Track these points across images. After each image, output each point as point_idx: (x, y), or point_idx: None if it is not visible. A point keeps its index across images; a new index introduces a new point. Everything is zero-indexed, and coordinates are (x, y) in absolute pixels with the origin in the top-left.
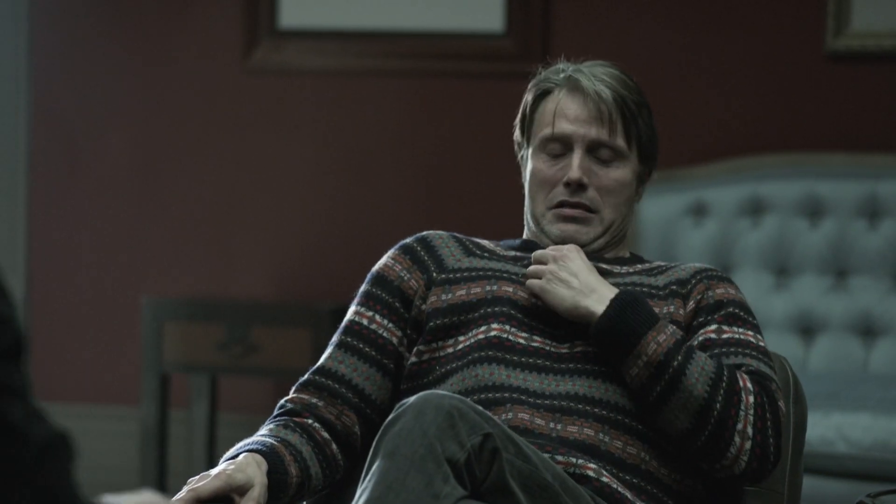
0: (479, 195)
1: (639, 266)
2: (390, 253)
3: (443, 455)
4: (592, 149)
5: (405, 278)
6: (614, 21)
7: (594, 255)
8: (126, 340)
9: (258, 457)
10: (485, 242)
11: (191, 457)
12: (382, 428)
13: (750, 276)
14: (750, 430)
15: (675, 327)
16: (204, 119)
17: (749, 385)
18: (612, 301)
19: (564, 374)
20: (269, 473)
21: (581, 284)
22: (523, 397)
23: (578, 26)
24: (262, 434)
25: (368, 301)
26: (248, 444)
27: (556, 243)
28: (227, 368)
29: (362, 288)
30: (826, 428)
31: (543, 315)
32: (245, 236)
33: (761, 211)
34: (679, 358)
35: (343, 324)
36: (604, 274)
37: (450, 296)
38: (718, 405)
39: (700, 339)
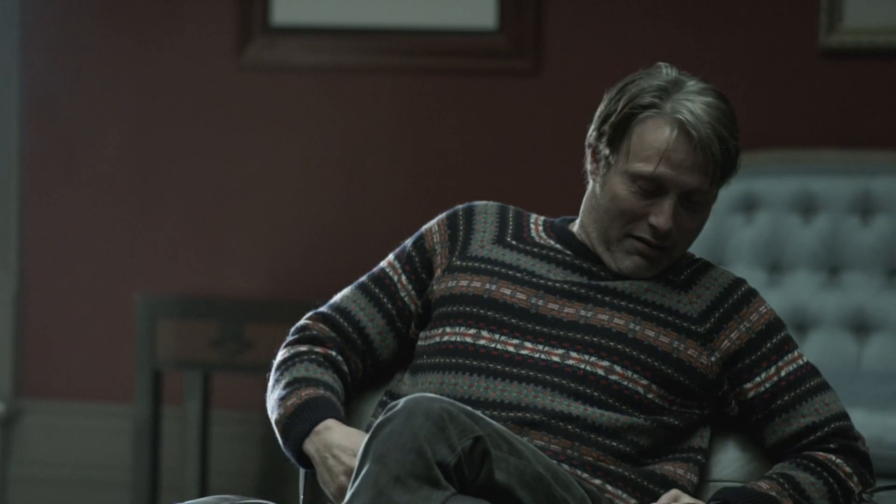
0: (474, 192)
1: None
2: (440, 217)
3: (433, 459)
4: (685, 194)
5: (437, 251)
6: (607, 18)
7: None
8: (120, 337)
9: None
10: (533, 222)
11: (184, 453)
12: (372, 429)
13: (743, 272)
14: (864, 496)
15: (776, 486)
16: (197, 116)
17: (847, 469)
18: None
19: (546, 385)
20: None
21: None
22: (496, 412)
23: (571, 23)
24: (309, 374)
25: (404, 260)
26: (323, 400)
27: (623, 274)
28: (220, 365)
29: (406, 242)
30: None
31: (541, 317)
32: (239, 233)
33: (754, 207)
34: None
35: (376, 270)
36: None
37: (453, 284)
38: None
39: (767, 385)
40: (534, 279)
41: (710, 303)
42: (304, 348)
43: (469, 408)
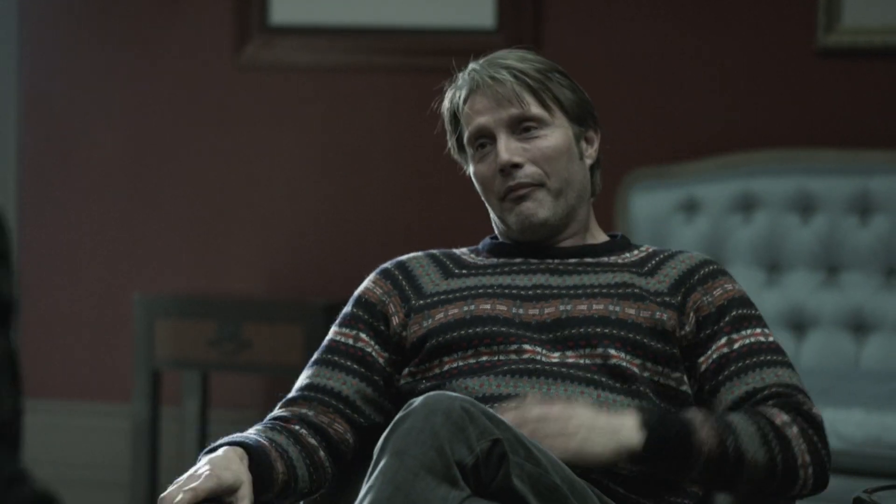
0: (469, 192)
1: (627, 256)
2: (371, 277)
3: (452, 458)
4: (514, 128)
5: (386, 301)
6: (605, 17)
7: (578, 250)
8: (118, 337)
9: (239, 450)
10: (463, 253)
11: (182, 453)
12: (391, 425)
13: (741, 271)
14: (808, 458)
15: (702, 414)
16: (195, 115)
17: (785, 417)
18: (644, 428)
19: (556, 377)
20: (253, 467)
21: (604, 426)
22: (513, 404)
23: (569, 22)
24: (248, 432)
25: (351, 321)
26: (230, 439)
27: (518, 229)
28: (218, 365)
29: (345, 310)
30: None
31: (526, 324)
32: (237, 232)
33: (753, 207)
34: (728, 441)
35: (325, 343)
36: (595, 266)
37: (430, 321)
38: (779, 458)
39: (714, 356)
40: (506, 290)
41: (677, 278)
42: (260, 426)
43: (490, 410)
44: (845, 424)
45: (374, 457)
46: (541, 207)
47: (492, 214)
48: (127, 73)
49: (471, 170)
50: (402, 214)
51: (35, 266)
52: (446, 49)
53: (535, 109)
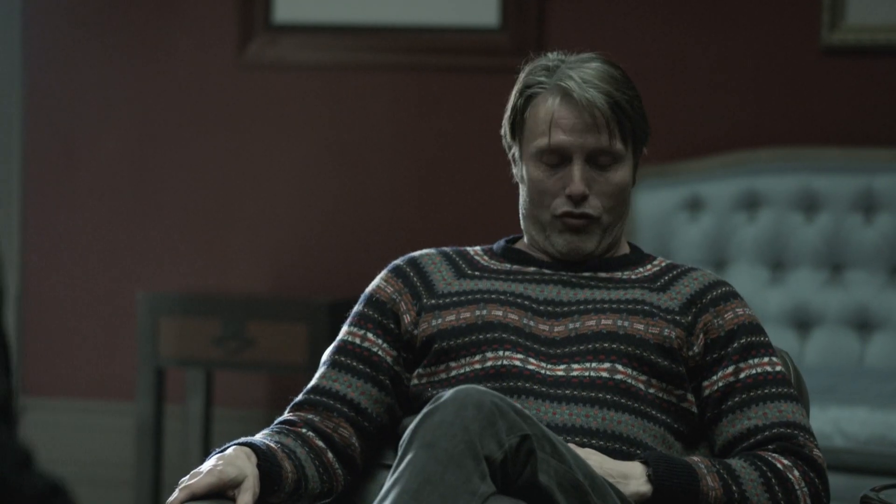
0: (474, 191)
1: (640, 271)
2: (382, 275)
3: (482, 452)
4: (591, 156)
5: (396, 300)
6: (609, 15)
7: (594, 262)
8: (121, 335)
9: (247, 449)
10: (476, 253)
11: (186, 451)
12: (419, 417)
13: (745, 270)
14: (809, 501)
15: (706, 461)
16: (198, 114)
17: (786, 462)
18: (652, 477)
19: (561, 401)
20: (260, 464)
21: (612, 474)
22: None
23: (573, 21)
24: (255, 436)
25: (361, 321)
26: (237, 441)
27: (562, 254)
28: (222, 363)
29: (355, 309)
30: (823, 422)
31: (534, 338)
32: (241, 231)
33: (757, 205)
34: (734, 487)
35: (335, 343)
36: (608, 281)
37: (440, 321)
38: (782, 502)
39: (720, 384)
40: (518, 300)
41: (688, 297)
42: (266, 430)
43: (517, 405)
44: (850, 423)
45: (401, 449)
46: (590, 241)
47: (529, 215)
48: (130, 72)
49: (525, 169)
50: (405, 212)
51: (39, 265)
52: (450, 48)
53: (618, 145)
